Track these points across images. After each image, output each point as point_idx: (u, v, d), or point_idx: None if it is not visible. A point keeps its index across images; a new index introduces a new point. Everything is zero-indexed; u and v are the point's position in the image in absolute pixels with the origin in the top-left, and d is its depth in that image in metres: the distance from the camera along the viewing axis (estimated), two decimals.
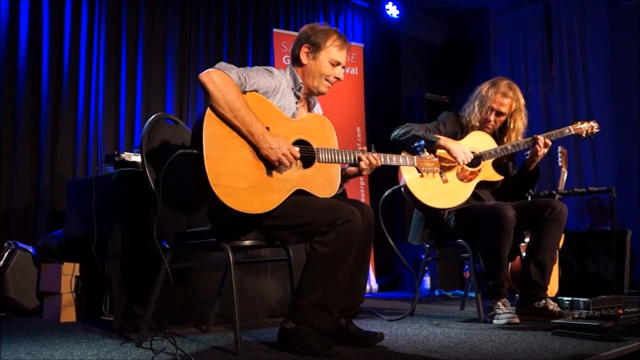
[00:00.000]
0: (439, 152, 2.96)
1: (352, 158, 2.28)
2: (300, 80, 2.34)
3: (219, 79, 2.06)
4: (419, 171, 2.45)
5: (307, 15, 5.85)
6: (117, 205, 2.78)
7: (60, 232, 3.32)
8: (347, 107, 5.49)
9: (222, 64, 2.13)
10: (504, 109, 3.07)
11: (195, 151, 2.01)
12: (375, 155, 2.30)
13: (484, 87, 3.12)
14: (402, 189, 2.98)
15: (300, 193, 2.17)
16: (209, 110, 2.06)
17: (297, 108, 2.34)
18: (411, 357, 1.99)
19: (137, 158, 3.04)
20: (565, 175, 4.05)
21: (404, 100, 6.44)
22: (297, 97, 2.35)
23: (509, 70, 6.55)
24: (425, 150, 2.50)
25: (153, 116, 2.44)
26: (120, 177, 2.80)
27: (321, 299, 2.04)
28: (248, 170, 2.07)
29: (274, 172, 2.12)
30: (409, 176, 2.95)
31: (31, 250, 3.34)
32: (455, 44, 6.81)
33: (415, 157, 2.44)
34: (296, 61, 2.36)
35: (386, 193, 3.06)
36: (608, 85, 5.93)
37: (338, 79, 2.37)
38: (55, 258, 3.21)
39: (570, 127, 3.12)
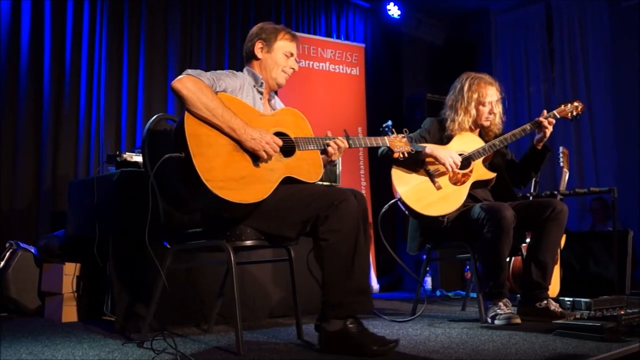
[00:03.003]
0: (428, 160, 2.95)
1: (326, 144, 2.35)
2: (260, 76, 2.41)
3: (191, 83, 2.11)
4: (392, 151, 2.51)
5: (308, 15, 5.86)
6: (118, 206, 2.78)
7: (62, 232, 3.33)
8: (348, 107, 5.49)
9: (190, 70, 2.18)
10: (495, 97, 3.08)
11: (182, 154, 2.03)
12: (341, 138, 2.36)
13: (469, 89, 3.07)
14: (399, 202, 2.97)
15: (288, 181, 2.20)
16: (186, 114, 2.10)
17: (261, 104, 2.41)
18: (412, 357, 1.99)
19: (138, 158, 3.04)
20: (566, 176, 4.05)
21: (405, 100, 6.43)
22: (260, 92, 2.41)
23: (510, 70, 6.55)
24: (394, 130, 2.57)
25: (155, 116, 2.45)
26: (122, 177, 2.81)
27: (353, 284, 2.04)
28: (236, 164, 2.11)
29: (261, 163, 2.16)
30: (402, 188, 2.93)
31: (33, 251, 3.34)
32: (457, 44, 6.81)
33: (386, 137, 2.53)
34: (252, 57, 2.44)
35: (383, 209, 3.05)
36: (609, 86, 5.92)
37: (293, 69, 2.47)
38: (56, 258, 3.22)
39: (554, 111, 3.10)
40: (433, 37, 6.97)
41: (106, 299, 2.85)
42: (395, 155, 2.52)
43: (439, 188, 2.93)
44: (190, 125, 2.07)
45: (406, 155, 2.54)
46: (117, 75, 4.48)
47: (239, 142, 2.12)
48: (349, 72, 5.57)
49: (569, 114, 3.12)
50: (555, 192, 4.03)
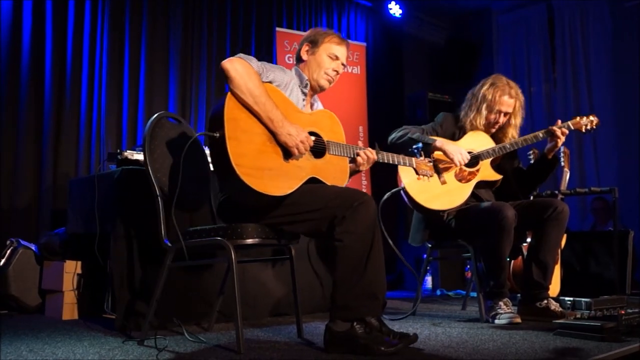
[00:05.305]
0: (436, 153, 2.96)
1: (356, 153, 2.39)
2: (306, 77, 2.43)
3: (241, 66, 2.13)
4: (417, 172, 2.54)
5: (309, 14, 5.86)
6: (119, 204, 2.78)
7: (63, 230, 3.33)
8: (349, 106, 5.49)
9: (242, 55, 2.20)
10: (511, 109, 3.08)
11: (217, 134, 2.05)
12: (371, 149, 2.38)
13: (486, 90, 3.07)
14: (402, 191, 2.98)
15: (312, 181, 2.22)
16: (229, 95, 2.12)
17: (303, 105, 2.43)
18: (413, 356, 1.99)
19: (139, 156, 3.04)
20: (567, 176, 4.05)
21: (406, 99, 6.44)
22: (304, 93, 2.44)
23: (512, 70, 6.55)
24: (422, 153, 2.59)
25: (156, 115, 2.44)
26: (123, 175, 2.81)
27: (363, 287, 2.02)
28: (267, 155, 2.13)
29: (291, 159, 2.18)
30: (407, 179, 2.95)
31: (33, 248, 3.34)
32: (458, 44, 6.81)
33: (413, 159, 2.54)
34: (299, 60, 2.51)
35: (385, 196, 3.06)
36: (611, 86, 5.92)
37: (337, 72, 2.48)
38: (57, 256, 3.22)
39: (569, 122, 3.11)
40: (434, 36, 6.97)
41: (107, 297, 2.85)
42: (419, 178, 2.56)
43: (443, 183, 2.94)
44: (231, 108, 2.09)
45: (428, 180, 2.57)
46: (118, 73, 4.48)
47: (274, 134, 2.14)
48: (350, 71, 5.57)
49: (583, 127, 3.11)
50: (556, 192, 4.03)
